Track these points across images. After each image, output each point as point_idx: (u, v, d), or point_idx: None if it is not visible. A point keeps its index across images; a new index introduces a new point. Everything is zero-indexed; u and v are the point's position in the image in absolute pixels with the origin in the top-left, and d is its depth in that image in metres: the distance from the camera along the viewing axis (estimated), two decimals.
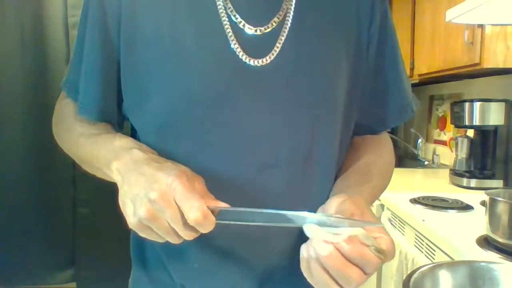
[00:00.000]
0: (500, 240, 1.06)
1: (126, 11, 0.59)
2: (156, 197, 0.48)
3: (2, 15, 2.15)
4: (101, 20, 0.61)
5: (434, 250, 1.27)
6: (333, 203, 0.54)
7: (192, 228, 0.49)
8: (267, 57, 0.58)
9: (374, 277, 1.70)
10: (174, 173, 0.49)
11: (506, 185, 1.79)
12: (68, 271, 2.35)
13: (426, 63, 2.16)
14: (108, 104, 0.64)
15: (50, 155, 1.99)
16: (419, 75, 2.26)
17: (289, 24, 0.60)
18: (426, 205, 1.50)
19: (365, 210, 0.55)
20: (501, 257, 1.03)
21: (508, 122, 1.77)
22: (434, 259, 1.27)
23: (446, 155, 2.44)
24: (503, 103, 1.78)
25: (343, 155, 0.68)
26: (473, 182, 1.85)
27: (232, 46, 0.57)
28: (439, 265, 0.63)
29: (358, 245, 0.47)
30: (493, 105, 1.79)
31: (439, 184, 1.99)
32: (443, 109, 2.61)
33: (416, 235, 1.41)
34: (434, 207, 1.48)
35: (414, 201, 1.56)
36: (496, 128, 1.80)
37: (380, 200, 1.74)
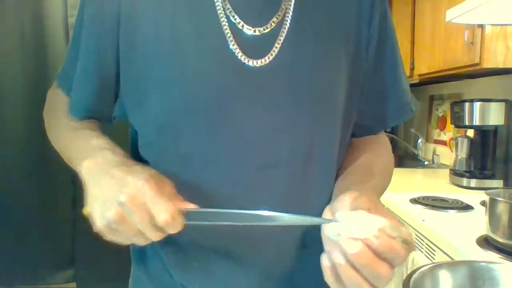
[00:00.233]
0: (500, 240, 1.06)
1: (125, 11, 0.59)
2: (125, 200, 0.48)
3: (2, 15, 2.15)
4: (98, 20, 0.60)
5: (434, 250, 1.27)
6: (346, 200, 0.51)
7: (161, 229, 0.50)
8: (266, 58, 0.58)
9: None
10: (143, 177, 0.50)
11: (506, 185, 1.79)
12: (68, 271, 2.35)
13: (426, 63, 2.16)
14: (100, 104, 0.65)
15: (50, 155, 1.99)
16: (419, 75, 2.25)
17: (288, 25, 0.60)
18: (426, 205, 1.50)
19: (379, 205, 0.54)
20: (501, 257, 1.03)
21: (508, 122, 1.77)
22: (434, 259, 1.27)
23: (446, 155, 2.44)
24: (503, 103, 1.78)
25: (343, 155, 0.68)
26: (473, 182, 1.85)
27: (231, 46, 0.57)
28: (439, 265, 0.63)
29: (386, 238, 0.45)
30: (493, 105, 1.79)
31: (439, 184, 1.99)
32: (443, 109, 2.61)
33: (416, 235, 1.41)
34: (434, 207, 1.48)
35: (414, 201, 1.56)
36: (496, 128, 1.80)
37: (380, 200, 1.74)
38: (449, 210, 1.45)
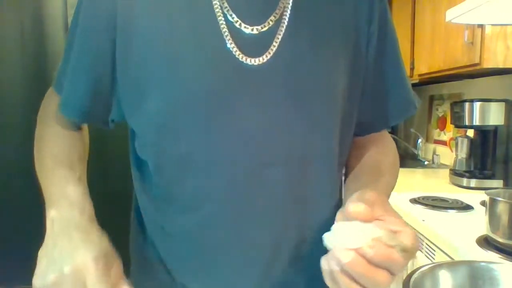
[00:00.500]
0: (500, 240, 1.06)
1: (121, 12, 0.59)
2: (68, 272, 0.49)
3: (2, 15, 2.15)
4: (94, 20, 0.60)
5: (434, 250, 1.27)
6: (352, 198, 0.52)
7: None
8: (264, 56, 0.58)
9: None
10: (93, 255, 0.50)
11: (506, 185, 1.79)
12: None
13: (426, 63, 2.16)
14: (94, 105, 0.63)
15: None
16: (419, 75, 2.25)
17: (286, 23, 0.59)
18: (426, 205, 1.50)
19: (385, 202, 0.54)
20: (501, 257, 1.03)
21: (508, 122, 1.77)
22: (434, 259, 1.27)
23: (446, 155, 2.44)
24: (503, 103, 1.78)
25: (345, 155, 0.68)
26: (473, 182, 1.85)
27: (228, 45, 0.57)
28: (439, 265, 0.63)
29: (383, 248, 0.46)
30: (493, 105, 1.79)
31: (439, 184, 1.99)
32: (443, 109, 2.61)
33: (416, 235, 1.41)
34: (434, 207, 1.48)
35: (414, 201, 1.56)
36: (496, 128, 1.80)
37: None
38: (449, 210, 1.45)
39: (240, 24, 0.58)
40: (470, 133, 2.01)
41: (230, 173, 0.59)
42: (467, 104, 1.83)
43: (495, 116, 1.78)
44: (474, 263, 0.65)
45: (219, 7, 0.58)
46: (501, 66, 1.61)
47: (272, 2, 0.60)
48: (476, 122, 1.81)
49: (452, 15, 1.48)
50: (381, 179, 0.65)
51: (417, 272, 0.59)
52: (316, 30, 0.61)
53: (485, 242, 1.12)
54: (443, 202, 1.53)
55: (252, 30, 0.59)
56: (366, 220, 0.47)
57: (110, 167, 2.00)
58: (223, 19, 0.58)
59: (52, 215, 0.56)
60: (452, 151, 2.27)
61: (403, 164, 2.49)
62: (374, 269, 0.45)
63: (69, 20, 2.19)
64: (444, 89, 2.61)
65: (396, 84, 0.70)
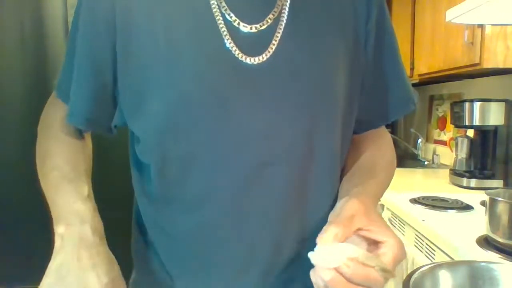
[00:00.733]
0: (500, 240, 1.06)
1: (120, 15, 0.59)
2: None
3: (2, 15, 2.15)
4: (93, 26, 0.60)
5: (434, 250, 1.27)
6: (338, 205, 0.57)
7: None
8: (264, 55, 0.58)
9: None
10: (103, 282, 0.51)
11: (506, 185, 1.79)
12: None
13: (426, 63, 2.16)
14: (98, 112, 0.63)
15: None
16: (419, 75, 2.25)
17: (284, 21, 0.59)
18: (426, 205, 1.50)
19: (370, 209, 0.56)
20: (501, 257, 1.03)
21: (508, 122, 1.77)
22: (434, 259, 1.27)
23: (446, 155, 2.44)
24: (503, 103, 1.78)
25: (345, 153, 0.68)
26: (473, 182, 1.85)
27: (227, 45, 0.57)
28: (439, 265, 0.63)
29: (361, 268, 0.48)
30: (493, 105, 1.79)
31: (439, 184, 1.99)
32: (443, 109, 2.61)
33: (416, 235, 1.41)
34: (434, 207, 1.48)
35: (414, 201, 1.56)
36: (496, 128, 1.80)
37: (380, 200, 1.74)
38: (449, 210, 1.45)
39: (238, 23, 0.58)
40: (470, 133, 2.01)
41: (231, 173, 0.59)
42: (467, 104, 1.83)
43: (495, 116, 1.78)
44: (474, 263, 0.65)
45: (217, 7, 0.58)
46: (501, 66, 1.61)
47: (270, 1, 0.60)
48: (476, 122, 1.81)
49: (452, 15, 1.48)
50: (373, 180, 0.66)
51: (417, 272, 0.59)
52: (314, 28, 0.61)
53: (485, 242, 1.12)
54: (443, 202, 1.53)
55: (251, 29, 0.59)
56: (339, 241, 0.50)
57: (110, 170, 2.00)
58: (221, 18, 0.58)
59: (61, 231, 0.55)
60: (452, 151, 2.27)
61: (403, 164, 2.49)
62: (354, 287, 0.48)
63: (69, 20, 2.19)
64: (444, 89, 2.61)
65: (394, 80, 0.70)
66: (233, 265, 0.62)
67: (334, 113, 0.62)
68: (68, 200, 0.59)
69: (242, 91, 0.58)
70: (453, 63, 1.84)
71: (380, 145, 0.73)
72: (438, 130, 2.67)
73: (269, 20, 0.59)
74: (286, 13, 0.60)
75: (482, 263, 0.64)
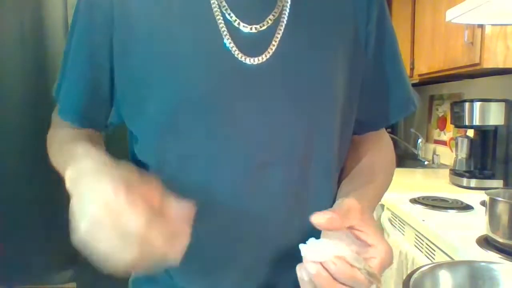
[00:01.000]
0: (500, 240, 1.06)
1: (118, 15, 0.59)
2: (94, 213, 0.43)
3: (2, 15, 2.15)
4: (89, 26, 0.60)
5: (434, 250, 1.27)
6: (335, 204, 0.57)
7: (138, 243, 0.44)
8: (263, 55, 0.58)
9: None
10: (111, 186, 0.45)
11: (506, 185, 1.79)
12: (68, 271, 2.35)
13: (426, 63, 2.16)
14: (92, 109, 0.63)
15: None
16: (419, 75, 2.25)
17: (284, 22, 0.59)
18: (426, 205, 1.50)
19: (365, 208, 0.56)
20: (501, 257, 1.03)
21: (508, 122, 1.77)
22: (434, 259, 1.27)
23: (446, 155, 2.44)
24: (503, 103, 1.78)
25: (344, 154, 0.68)
26: (473, 182, 1.85)
27: (227, 44, 0.57)
28: (439, 265, 0.63)
29: (347, 267, 0.49)
30: (493, 105, 1.79)
31: (439, 184, 1.99)
32: (443, 109, 2.61)
33: (416, 235, 1.41)
34: (434, 207, 1.48)
35: (414, 201, 1.56)
36: (496, 128, 1.80)
37: (380, 200, 1.74)
38: (449, 210, 1.45)
39: (238, 23, 0.58)
40: (470, 133, 2.01)
41: (230, 173, 0.59)
42: (467, 104, 1.83)
43: (495, 116, 1.78)
44: (474, 263, 0.65)
45: (217, 6, 0.58)
46: (501, 66, 1.61)
47: (270, 1, 0.60)
48: (476, 122, 1.81)
49: (452, 15, 1.48)
50: (372, 182, 0.66)
51: (417, 272, 0.59)
52: (314, 29, 0.61)
53: (485, 242, 1.12)
54: (443, 202, 1.53)
55: (251, 29, 0.59)
56: (331, 229, 0.51)
57: None
58: (221, 18, 0.58)
59: (68, 175, 0.52)
60: (452, 151, 2.27)
61: (403, 164, 2.49)
62: (337, 284, 0.49)
63: (69, 20, 2.19)
64: (444, 89, 2.61)
65: (395, 82, 0.70)
66: (232, 265, 0.62)
67: (333, 113, 0.62)
68: (69, 153, 0.57)
69: (241, 91, 0.58)
70: (453, 63, 1.84)
71: (380, 147, 0.73)
72: (438, 130, 2.67)
73: (269, 21, 0.59)
74: (287, 14, 0.60)
75: (482, 263, 0.64)
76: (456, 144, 2.00)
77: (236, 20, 0.58)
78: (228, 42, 0.57)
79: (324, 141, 0.62)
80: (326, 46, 0.61)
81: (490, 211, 1.09)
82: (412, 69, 2.31)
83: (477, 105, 1.80)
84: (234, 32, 0.58)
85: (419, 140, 2.73)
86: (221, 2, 0.58)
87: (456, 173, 1.94)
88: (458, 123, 1.91)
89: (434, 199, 1.57)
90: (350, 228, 0.53)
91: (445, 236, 1.20)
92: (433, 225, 1.30)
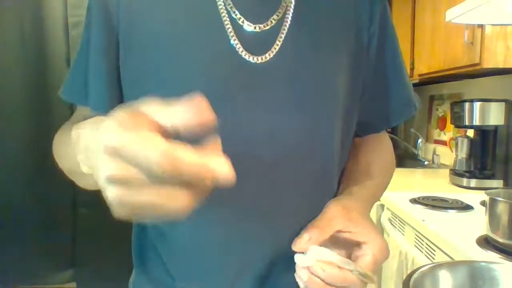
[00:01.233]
0: (500, 240, 1.06)
1: (123, 11, 0.59)
2: (105, 151, 0.34)
3: (2, 15, 2.15)
4: (104, 22, 0.60)
5: (434, 250, 1.27)
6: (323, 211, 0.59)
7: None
8: (267, 55, 0.58)
9: None
10: (113, 123, 0.36)
11: (506, 185, 1.79)
12: (68, 271, 2.35)
13: (426, 63, 2.16)
14: (116, 102, 0.62)
15: (50, 155, 1.99)
16: (419, 75, 2.25)
17: (288, 22, 0.59)
18: (426, 205, 1.50)
19: (352, 212, 0.58)
20: (501, 257, 1.03)
21: (508, 122, 1.77)
22: (434, 259, 1.27)
23: (446, 155, 2.44)
24: (503, 103, 1.78)
25: (346, 153, 0.68)
26: (473, 182, 1.85)
27: (232, 42, 0.57)
28: (439, 265, 0.63)
29: (336, 270, 0.50)
30: (493, 105, 1.79)
31: (439, 184, 1.99)
32: (443, 109, 2.61)
33: (416, 235, 1.41)
34: (434, 207, 1.48)
35: (414, 201, 1.56)
36: (496, 128, 1.80)
37: (380, 200, 1.74)
38: (449, 210, 1.45)
39: (243, 22, 0.58)
40: (470, 133, 2.01)
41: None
42: (467, 104, 1.83)
43: (495, 116, 1.78)
44: (474, 263, 0.65)
45: (222, 4, 0.58)
46: (501, 66, 1.61)
47: (274, 1, 0.60)
48: (476, 122, 1.81)
49: (452, 15, 1.48)
50: (369, 181, 0.67)
51: (417, 272, 0.59)
52: (318, 29, 0.61)
53: (485, 242, 1.12)
54: (443, 202, 1.53)
55: (255, 28, 0.59)
56: (316, 244, 0.53)
57: None
58: (226, 15, 0.58)
59: (74, 135, 0.49)
60: (452, 151, 2.27)
61: (403, 164, 2.49)
62: None
63: (69, 20, 2.19)
64: (444, 89, 2.61)
65: (397, 84, 0.70)
66: (233, 266, 0.62)
67: (335, 114, 0.62)
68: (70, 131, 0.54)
69: (245, 89, 0.58)
70: (453, 63, 1.84)
71: (380, 149, 0.74)
72: (438, 130, 2.67)
73: (273, 21, 0.59)
74: (291, 14, 0.60)
75: (482, 263, 0.64)
76: (456, 144, 2.00)
77: (240, 18, 0.58)
78: (232, 39, 0.57)
79: (326, 141, 0.62)
80: (329, 47, 0.61)
81: (490, 211, 1.09)
82: (412, 69, 2.31)
83: (477, 105, 1.80)
84: (239, 30, 0.58)
85: (419, 140, 2.73)
86: (226, 0, 0.58)
87: (456, 173, 1.94)
88: (458, 123, 1.91)
89: (434, 199, 1.57)
90: (338, 232, 0.55)
91: (445, 236, 1.20)
92: (433, 225, 1.30)
